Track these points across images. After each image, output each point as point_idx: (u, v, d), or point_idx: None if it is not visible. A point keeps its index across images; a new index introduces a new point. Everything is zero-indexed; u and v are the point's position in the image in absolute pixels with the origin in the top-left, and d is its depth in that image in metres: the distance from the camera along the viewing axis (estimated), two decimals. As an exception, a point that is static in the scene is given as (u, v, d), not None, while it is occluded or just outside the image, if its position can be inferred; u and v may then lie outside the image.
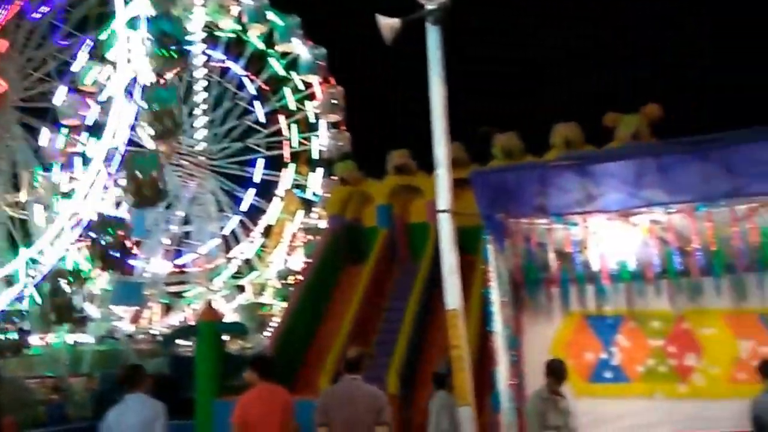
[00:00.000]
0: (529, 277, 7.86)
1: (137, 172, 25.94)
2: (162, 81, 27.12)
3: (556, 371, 6.39)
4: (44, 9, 31.88)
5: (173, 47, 26.94)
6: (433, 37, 7.09)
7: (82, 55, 30.16)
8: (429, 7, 6.75)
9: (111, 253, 26.94)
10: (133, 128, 28.31)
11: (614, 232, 6.57)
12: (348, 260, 17.27)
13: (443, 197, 7.24)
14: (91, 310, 29.46)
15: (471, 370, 9.13)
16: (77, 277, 27.58)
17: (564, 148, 15.11)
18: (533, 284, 8.03)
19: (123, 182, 26.92)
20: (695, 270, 6.67)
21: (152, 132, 27.40)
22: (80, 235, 27.56)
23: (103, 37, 29.72)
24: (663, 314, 7.63)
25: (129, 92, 27.85)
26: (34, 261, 29.05)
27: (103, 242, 26.63)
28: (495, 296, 6.83)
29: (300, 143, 38.03)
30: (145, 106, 27.13)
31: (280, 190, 38.01)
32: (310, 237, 34.93)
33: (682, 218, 6.25)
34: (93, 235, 27.06)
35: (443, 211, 7.22)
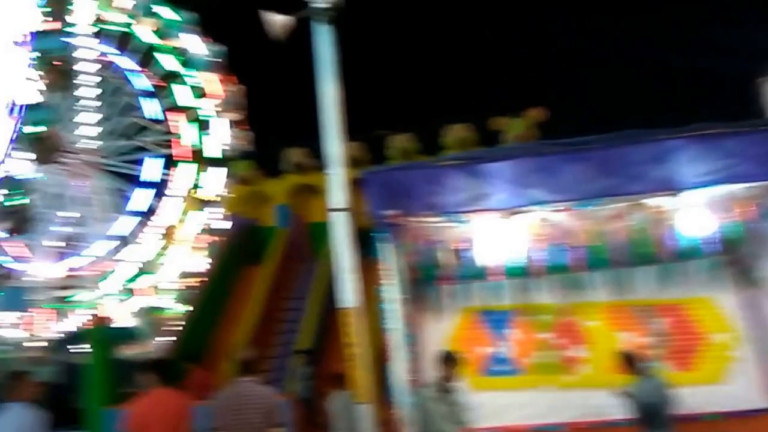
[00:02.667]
0: (423, 275, 8.00)
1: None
2: (42, 101, 25.49)
3: (447, 361, 6.55)
4: None
5: (58, 64, 25.43)
6: (322, 35, 7.03)
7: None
8: (315, 5, 6.68)
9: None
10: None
11: (502, 230, 6.79)
12: (247, 261, 16.92)
13: (337, 195, 7.23)
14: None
15: (371, 369, 9.12)
16: None
17: (457, 149, 15.64)
18: (427, 281, 8.18)
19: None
20: (578, 265, 7.01)
21: (33, 155, 25.59)
22: None
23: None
24: (549, 308, 8.01)
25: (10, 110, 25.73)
26: None
27: None
28: (392, 294, 6.87)
29: (199, 141, 36.73)
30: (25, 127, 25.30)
31: (173, 190, 36.52)
32: (208, 237, 33.86)
33: (564, 216, 6.55)
34: None
35: (337, 209, 7.21)
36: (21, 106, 25.50)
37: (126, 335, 19.57)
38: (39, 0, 26.03)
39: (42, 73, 25.52)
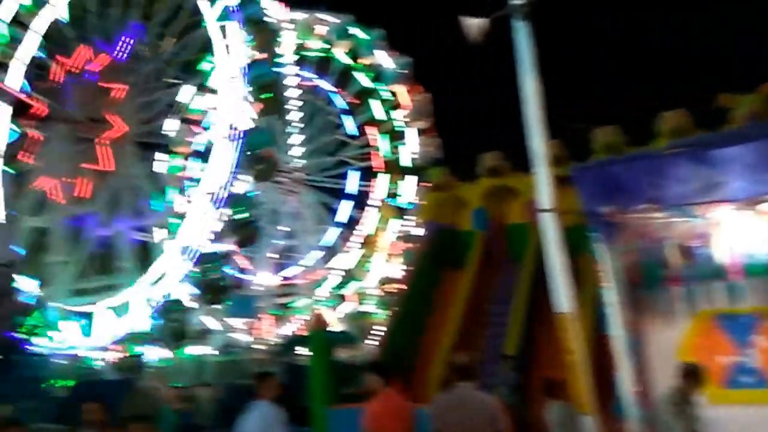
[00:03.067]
0: (647, 276, 7.30)
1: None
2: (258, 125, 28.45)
3: (692, 375, 5.88)
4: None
5: (270, 91, 28.31)
6: (521, 33, 6.81)
7: (188, 88, 32.09)
8: (515, 2, 6.48)
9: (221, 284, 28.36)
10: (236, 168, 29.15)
11: (743, 223, 5.96)
12: (446, 265, 17.06)
13: (545, 196, 6.95)
14: (211, 323, 30.96)
15: (592, 378, 8.64)
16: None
17: (672, 137, 14.19)
18: (652, 283, 7.43)
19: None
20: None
21: (252, 173, 28.59)
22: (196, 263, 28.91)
23: (203, 67, 31.61)
24: (806, 310, 6.84)
25: (232, 134, 28.90)
26: (157, 280, 30.91)
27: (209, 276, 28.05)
28: (611, 297, 6.38)
29: (391, 152, 38.27)
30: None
31: (373, 200, 38.41)
32: (407, 244, 35.01)
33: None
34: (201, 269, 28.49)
35: (546, 210, 6.91)
36: (240, 132, 28.60)
37: (341, 339, 20.85)
38: (248, 37, 29.01)
39: (256, 100, 28.46)
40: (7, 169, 34.23)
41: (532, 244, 14.30)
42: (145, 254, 34.06)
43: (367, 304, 36.51)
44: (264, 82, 28.38)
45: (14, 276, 28.11)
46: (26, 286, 30.53)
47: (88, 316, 32.12)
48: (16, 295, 28.42)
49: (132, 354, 30.67)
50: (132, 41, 34.61)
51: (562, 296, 6.84)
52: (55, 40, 34.85)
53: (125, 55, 34.76)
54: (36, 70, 35.35)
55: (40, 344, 29.86)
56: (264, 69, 28.76)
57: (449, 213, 17.85)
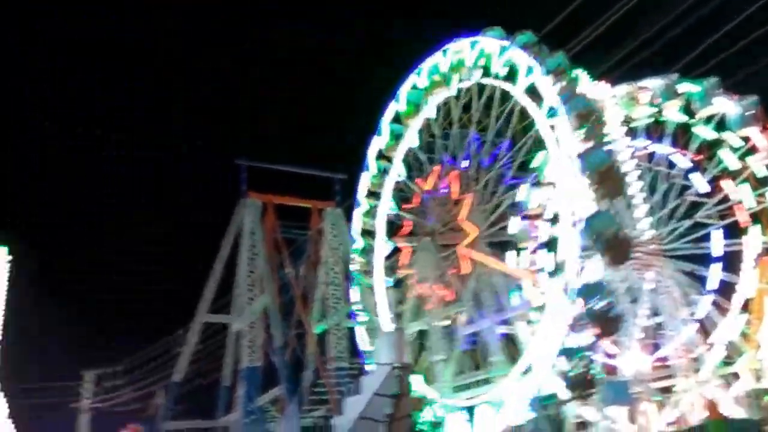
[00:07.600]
0: None
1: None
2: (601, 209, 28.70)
3: None
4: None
5: (610, 179, 28.66)
6: None
7: (524, 186, 34.24)
8: None
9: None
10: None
11: None
12: None
13: None
14: (589, 414, 30.29)
15: None
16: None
17: None
18: None
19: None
20: None
21: (605, 258, 28.41)
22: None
23: (536, 163, 33.51)
24: None
25: (574, 221, 29.54)
26: (526, 372, 32.00)
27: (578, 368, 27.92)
28: None
29: (757, 202, 33.81)
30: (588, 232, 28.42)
31: (748, 259, 33.90)
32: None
33: None
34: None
35: None
36: (582, 219, 28.91)
37: (744, 429, 18.39)
38: (575, 126, 29.91)
39: (594, 185, 28.72)
40: (387, 279, 40.59)
41: None
42: (513, 347, 35.75)
43: (765, 378, 31.53)
44: (599, 167, 28.57)
45: (408, 377, 32.09)
46: (416, 385, 34.59)
47: (470, 410, 34.60)
48: (411, 395, 32.23)
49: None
50: (474, 152, 38.77)
51: None
52: (412, 165, 41.42)
53: (469, 166, 38.99)
54: (401, 193, 42.15)
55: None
56: (597, 155, 29.07)
57: None
